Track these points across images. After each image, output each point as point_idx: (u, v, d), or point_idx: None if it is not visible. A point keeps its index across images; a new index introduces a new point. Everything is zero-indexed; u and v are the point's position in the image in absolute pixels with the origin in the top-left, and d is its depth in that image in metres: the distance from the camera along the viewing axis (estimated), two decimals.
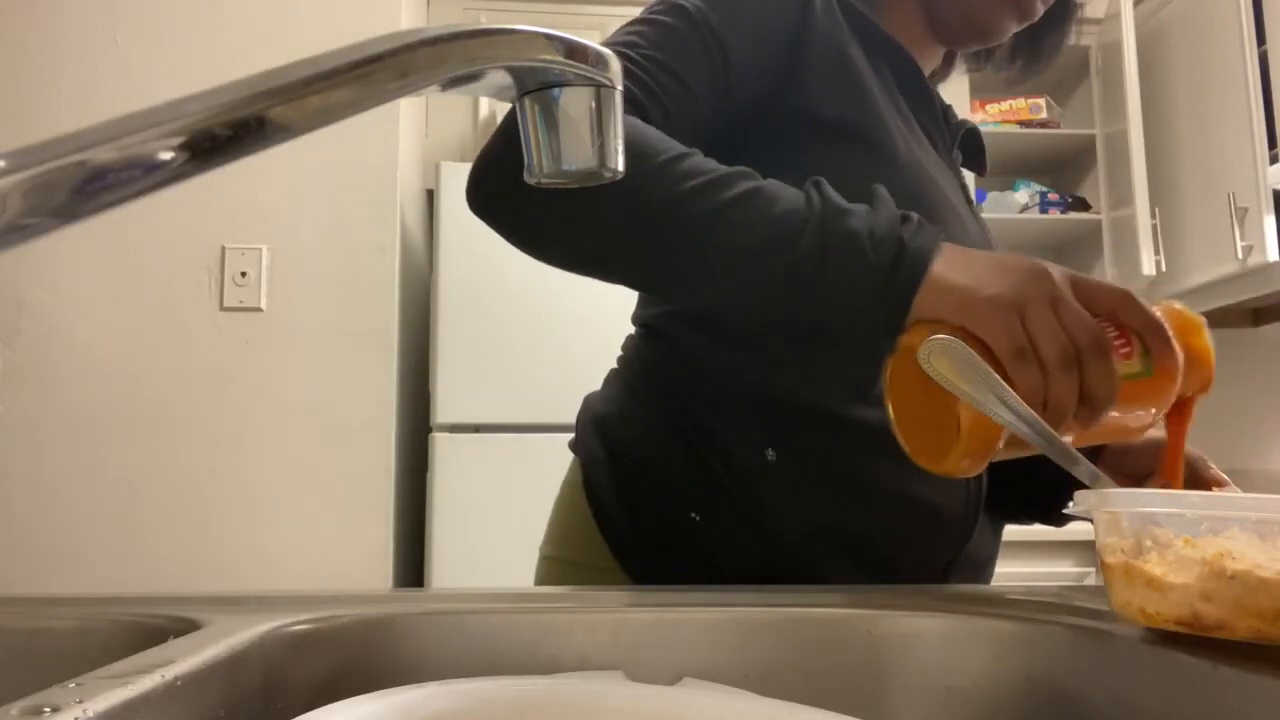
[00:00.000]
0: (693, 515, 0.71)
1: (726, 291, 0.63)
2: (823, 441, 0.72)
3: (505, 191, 0.64)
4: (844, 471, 0.72)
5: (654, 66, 0.68)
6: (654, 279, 0.67)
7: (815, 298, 0.59)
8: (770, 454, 0.71)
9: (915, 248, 0.58)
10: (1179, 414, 0.61)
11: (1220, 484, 0.73)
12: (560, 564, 0.78)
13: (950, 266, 0.58)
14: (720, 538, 0.71)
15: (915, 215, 0.61)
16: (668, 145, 0.62)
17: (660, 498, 0.73)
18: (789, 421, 0.72)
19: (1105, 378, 0.54)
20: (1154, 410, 0.58)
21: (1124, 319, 0.56)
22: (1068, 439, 0.56)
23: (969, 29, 0.82)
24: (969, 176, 0.96)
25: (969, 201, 0.85)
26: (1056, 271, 0.57)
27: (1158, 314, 0.57)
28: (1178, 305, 0.62)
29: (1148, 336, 0.56)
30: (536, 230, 0.66)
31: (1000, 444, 0.55)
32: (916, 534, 0.74)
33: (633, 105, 0.66)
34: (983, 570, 0.80)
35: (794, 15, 0.74)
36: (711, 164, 0.62)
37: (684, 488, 0.73)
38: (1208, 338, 0.60)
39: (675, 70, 0.69)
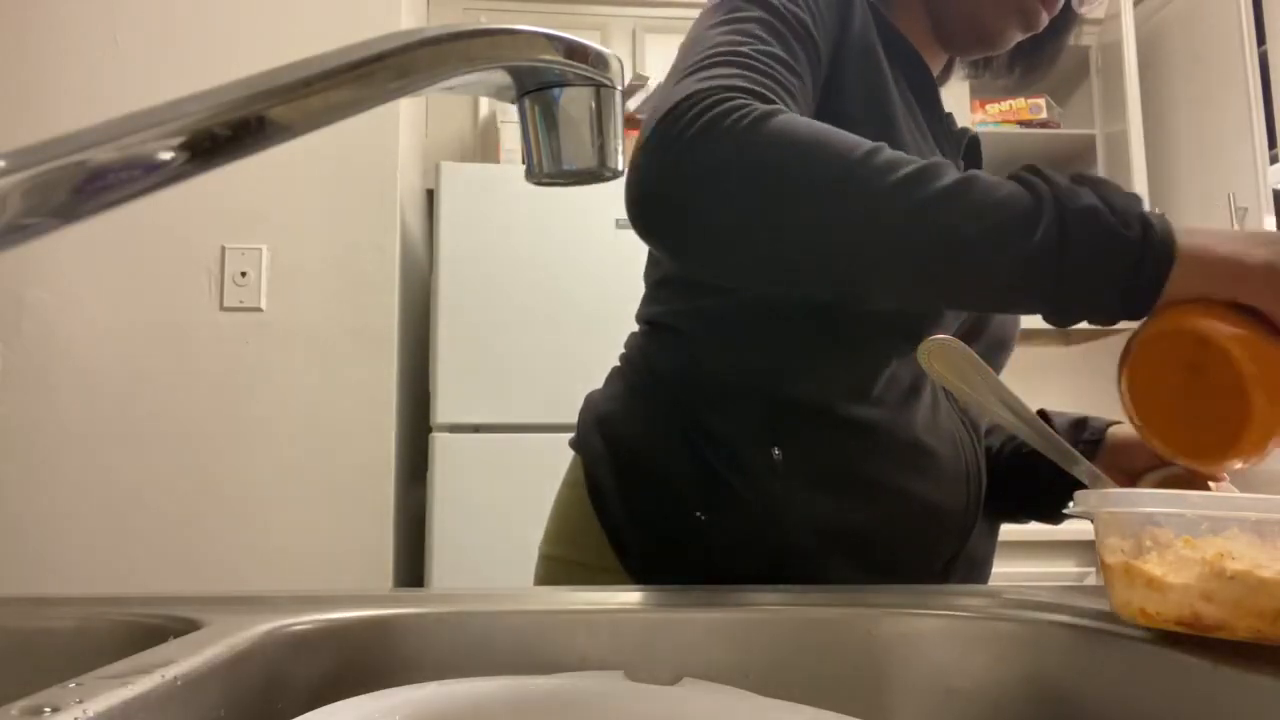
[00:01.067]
0: (697, 514, 0.71)
1: (949, 285, 0.57)
2: (826, 441, 0.72)
3: (680, 215, 0.58)
4: (847, 471, 0.72)
5: (777, 64, 0.64)
6: (865, 278, 0.59)
7: (1057, 282, 0.54)
8: (775, 453, 0.71)
9: (1160, 224, 0.53)
10: None
11: (1216, 481, 0.73)
12: (560, 563, 0.78)
13: (1198, 239, 0.53)
14: (723, 536, 0.71)
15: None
16: (857, 139, 0.58)
17: (664, 496, 0.73)
18: (792, 420, 0.72)
19: None
20: None
21: None
22: None
23: (974, 37, 0.82)
24: None
25: None
26: None
27: None
28: None
29: None
30: (723, 249, 0.60)
31: None
32: (918, 533, 0.74)
33: (777, 102, 0.62)
34: (980, 568, 0.80)
35: (843, 7, 0.74)
36: (907, 155, 0.58)
37: (687, 486, 0.73)
38: None
39: (791, 65, 0.66)
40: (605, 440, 0.77)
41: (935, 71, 0.88)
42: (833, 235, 0.57)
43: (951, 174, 0.56)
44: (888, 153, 0.57)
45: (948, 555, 0.75)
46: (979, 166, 0.91)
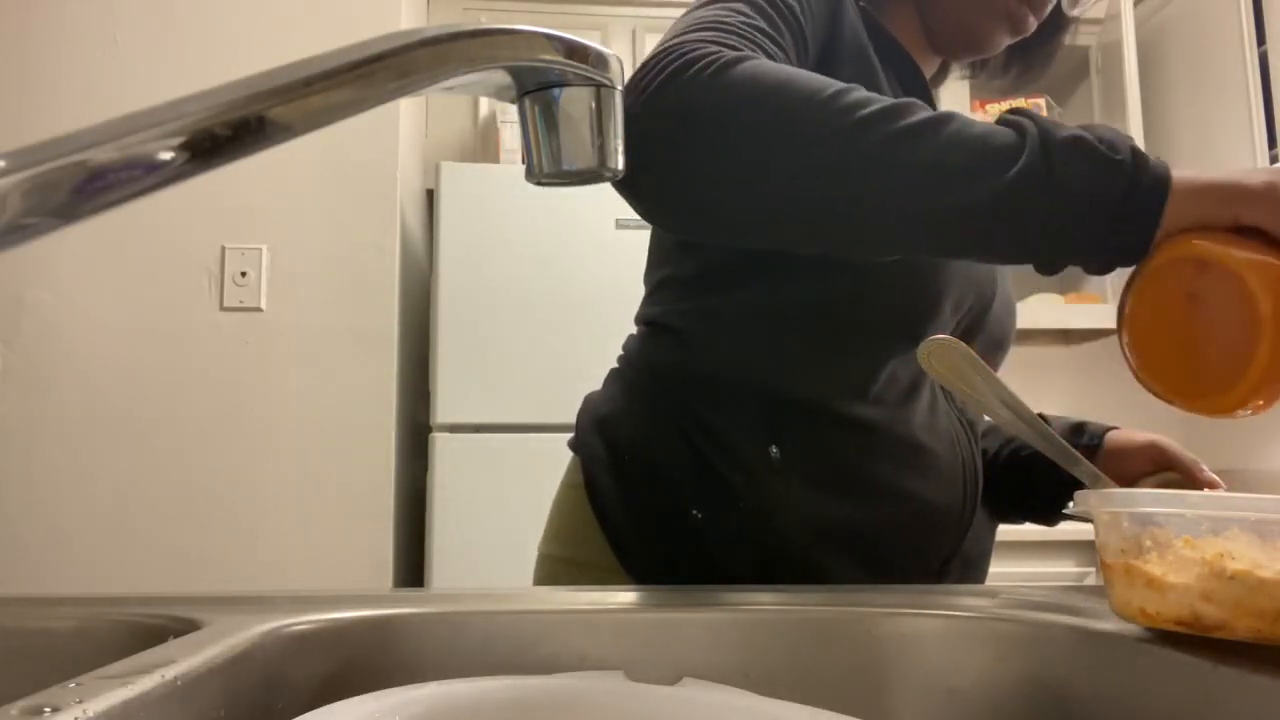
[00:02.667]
0: (695, 513, 0.71)
1: (926, 225, 0.55)
2: (825, 439, 0.72)
3: (650, 168, 0.55)
4: (845, 469, 0.72)
5: (760, 34, 0.63)
6: (843, 222, 0.57)
7: (1045, 211, 0.51)
8: (774, 451, 0.71)
9: (1152, 156, 0.51)
10: None
11: (1213, 487, 0.73)
12: (559, 562, 0.78)
13: (1191, 171, 0.51)
14: (722, 535, 0.71)
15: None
16: (825, 80, 0.56)
17: (662, 496, 0.73)
18: (792, 419, 0.72)
19: None
20: None
21: None
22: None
23: (963, 41, 0.82)
24: None
25: None
26: None
27: None
28: None
29: None
30: (699, 199, 0.58)
31: None
32: (915, 532, 0.74)
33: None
34: (977, 567, 0.80)
35: (835, 7, 0.74)
36: (878, 95, 0.55)
37: (686, 486, 0.73)
38: None
39: (776, 39, 0.64)
40: (604, 440, 0.77)
41: (929, 74, 0.88)
42: (804, 178, 0.55)
43: (925, 111, 0.54)
44: (859, 92, 0.55)
45: (945, 554, 0.76)
46: None
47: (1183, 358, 0.50)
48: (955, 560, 0.76)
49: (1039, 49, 0.90)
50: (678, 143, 0.54)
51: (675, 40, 0.59)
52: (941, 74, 0.92)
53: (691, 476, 0.73)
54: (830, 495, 0.71)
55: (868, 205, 0.55)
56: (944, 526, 0.75)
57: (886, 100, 0.55)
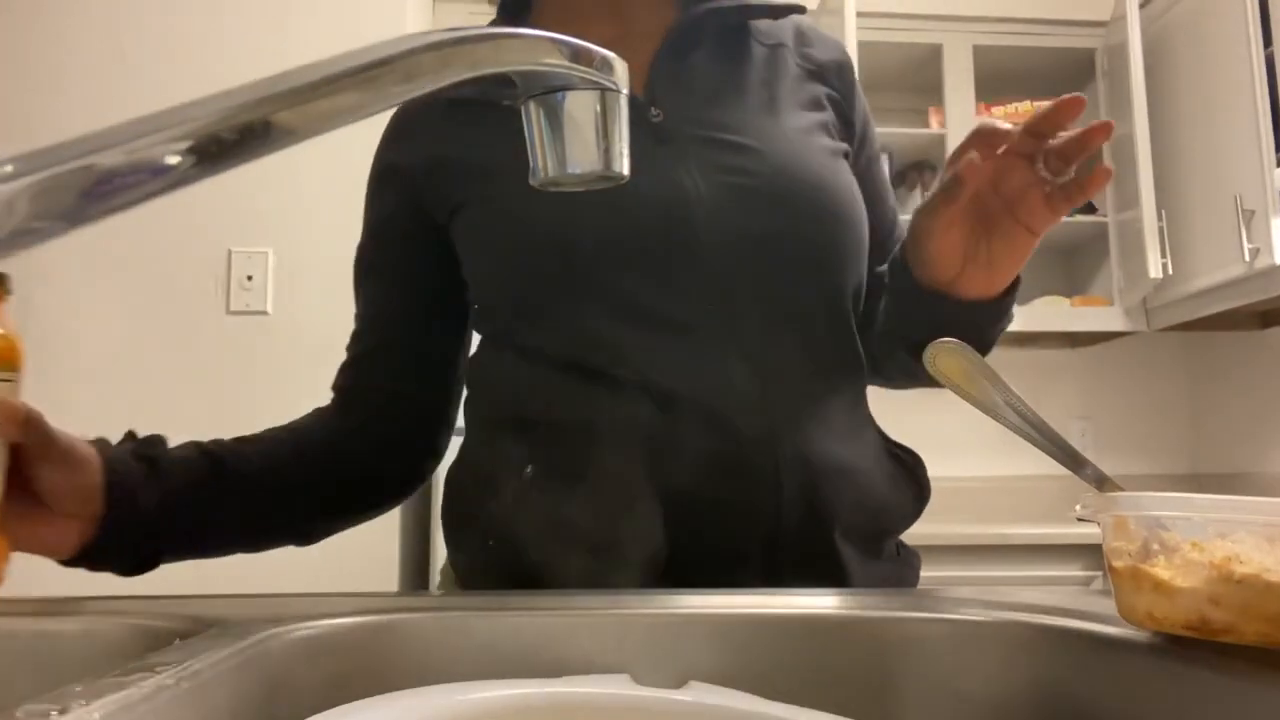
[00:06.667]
0: (489, 542, 0.74)
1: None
2: (584, 455, 0.69)
3: None
4: (615, 481, 0.68)
5: (377, 319, 0.90)
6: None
7: None
8: (528, 470, 0.71)
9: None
10: None
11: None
12: (444, 572, 0.88)
13: None
14: (497, 560, 0.73)
15: None
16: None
17: (454, 508, 0.82)
18: (550, 439, 0.70)
19: None
20: None
21: None
22: None
23: None
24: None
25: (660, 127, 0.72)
26: None
27: None
28: None
29: None
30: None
31: None
32: (716, 532, 0.68)
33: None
34: (846, 566, 0.70)
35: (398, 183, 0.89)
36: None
37: (459, 503, 0.79)
38: None
39: (382, 307, 0.91)
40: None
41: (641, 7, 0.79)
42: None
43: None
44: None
45: (756, 545, 0.68)
46: (756, 8, 0.78)
47: None
48: (790, 557, 0.68)
49: None
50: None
51: (339, 378, 0.93)
52: None
53: (460, 495, 0.79)
54: (609, 513, 0.67)
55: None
56: (748, 522, 0.68)
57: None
